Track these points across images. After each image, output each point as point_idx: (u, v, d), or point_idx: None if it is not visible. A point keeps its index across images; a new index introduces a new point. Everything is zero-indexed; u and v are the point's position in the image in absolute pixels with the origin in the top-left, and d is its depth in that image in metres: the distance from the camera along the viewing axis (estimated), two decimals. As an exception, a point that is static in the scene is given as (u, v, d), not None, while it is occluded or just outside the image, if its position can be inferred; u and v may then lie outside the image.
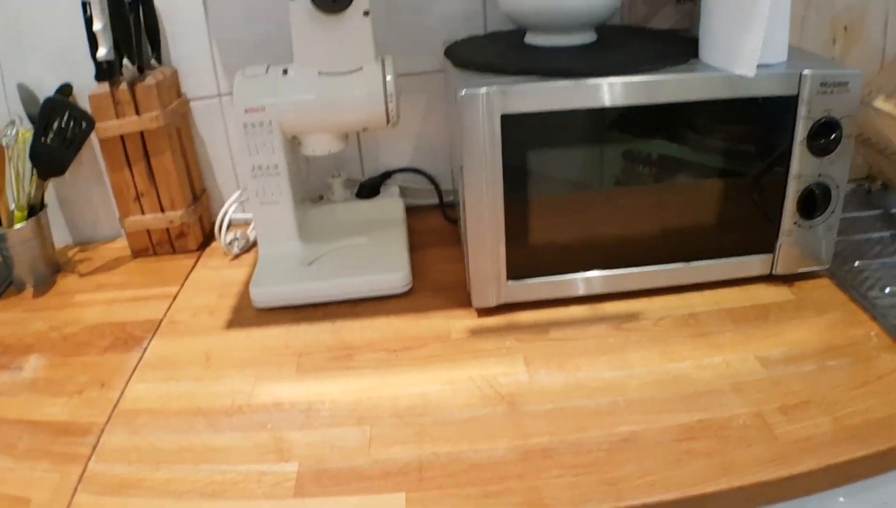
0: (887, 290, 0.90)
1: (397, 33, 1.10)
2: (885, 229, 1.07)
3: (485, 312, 0.88)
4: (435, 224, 1.12)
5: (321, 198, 1.14)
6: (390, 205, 1.12)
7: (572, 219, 0.86)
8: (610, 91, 0.78)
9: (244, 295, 0.96)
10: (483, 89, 0.75)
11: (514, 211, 0.82)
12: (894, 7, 1.14)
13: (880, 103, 0.95)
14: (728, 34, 0.81)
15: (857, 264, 0.95)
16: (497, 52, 0.92)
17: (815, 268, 0.91)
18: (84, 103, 1.06)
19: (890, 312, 0.85)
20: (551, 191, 0.85)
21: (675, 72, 0.80)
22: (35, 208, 1.06)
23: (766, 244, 0.89)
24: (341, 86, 0.91)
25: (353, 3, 0.87)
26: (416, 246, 1.05)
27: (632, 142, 0.84)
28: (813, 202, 0.86)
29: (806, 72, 0.80)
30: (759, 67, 0.79)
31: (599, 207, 0.87)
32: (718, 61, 0.82)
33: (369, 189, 1.15)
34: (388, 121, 0.93)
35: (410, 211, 1.13)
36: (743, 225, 0.89)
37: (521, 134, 0.79)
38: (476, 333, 0.84)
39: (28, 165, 1.04)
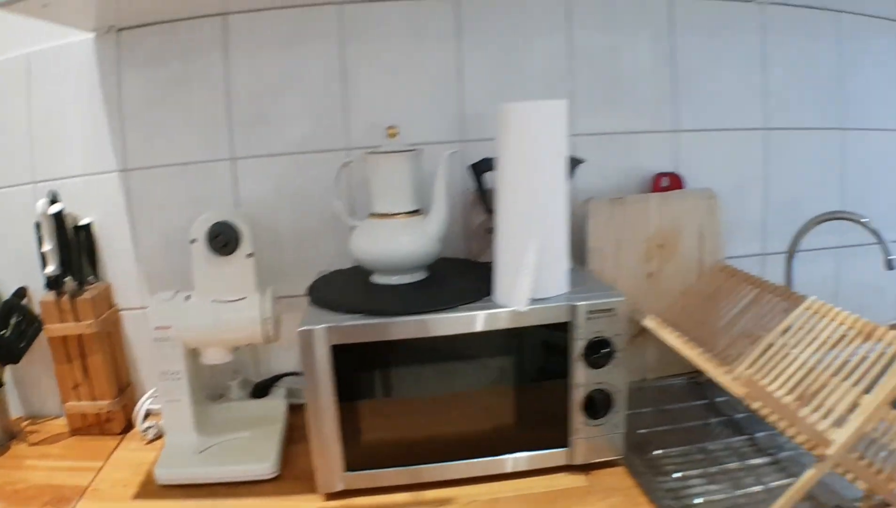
0: (675, 475, 1.15)
1: (284, 263, 1.44)
2: (704, 418, 1.34)
3: (331, 496, 1.15)
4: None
5: (221, 396, 1.44)
6: (274, 405, 1.41)
7: (397, 422, 1.15)
8: (416, 327, 1.10)
9: (151, 473, 1.24)
10: (317, 326, 1.08)
11: (347, 417, 1.11)
12: (708, 222, 1.43)
13: (648, 321, 1.26)
14: (507, 276, 1.13)
15: (655, 452, 1.21)
16: (344, 290, 1.24)
17: (610, 458, 1.18)
18: (37, 304, 1.38)
19: (667, 495, 1.10)
20: (378, 400, 1.14)
21: (467, 310, 1.11)
22: (-5, 386, 1.38)
23: (562, 440, 1.17)
24: (230, 311, 1.23)
25: (239, 248, 1.22)
26: (295, 439, 1.33)
27: (444, 362, 1.14)
28: (594, 406, 1.14)
29: (577, 303, 1.11)
30: (539, 300, 1.10)
31: (419, 412, 1.15)
32: (501, 298, 1.14)
33: (261, 389, 1.46)
34: (266, 340, 1.25)
35: (296, 408, 1.40)
36: (541, 425, 1.16)
37: (348, 359, 1.09)
38: (319, 513, 1.13)
39: (-13, 352, 1.37)
